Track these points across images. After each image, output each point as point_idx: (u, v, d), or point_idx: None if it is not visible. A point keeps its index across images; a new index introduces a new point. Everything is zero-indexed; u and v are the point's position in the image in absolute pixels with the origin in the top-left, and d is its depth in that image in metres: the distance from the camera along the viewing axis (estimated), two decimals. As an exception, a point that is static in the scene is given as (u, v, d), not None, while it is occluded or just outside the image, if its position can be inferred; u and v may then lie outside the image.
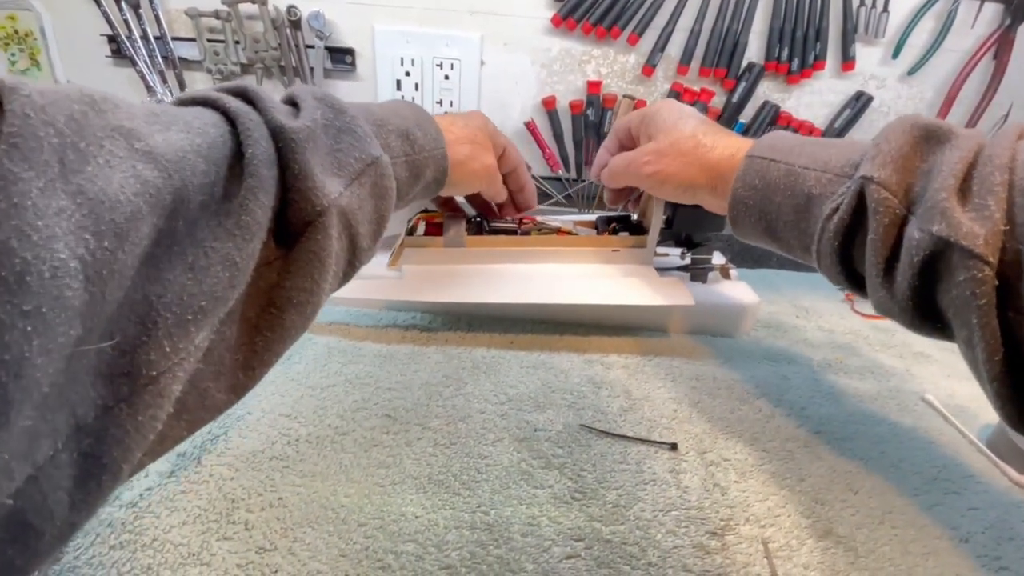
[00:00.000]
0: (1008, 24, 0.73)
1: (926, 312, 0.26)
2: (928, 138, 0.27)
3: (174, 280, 0.18)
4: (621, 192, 0.52)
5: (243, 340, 0.22)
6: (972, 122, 0.77)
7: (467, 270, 0.54)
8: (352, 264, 0.28)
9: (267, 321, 0.23)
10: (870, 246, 0.27)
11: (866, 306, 0.63)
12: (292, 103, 0.28)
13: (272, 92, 0.26)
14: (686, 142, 0.39)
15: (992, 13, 0.73)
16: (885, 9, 0.70)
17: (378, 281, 0.53)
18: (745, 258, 0.73)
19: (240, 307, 0.22)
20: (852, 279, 0.30)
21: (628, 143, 0.46)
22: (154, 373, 0.17)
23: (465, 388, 0.43)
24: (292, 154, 0.24)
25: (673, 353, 0.50)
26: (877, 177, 0.26)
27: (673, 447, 0.38)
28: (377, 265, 0.55)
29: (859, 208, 0.27)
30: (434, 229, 0.54)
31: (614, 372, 0.47)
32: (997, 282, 0.22)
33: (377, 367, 0.44)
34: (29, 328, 0.12)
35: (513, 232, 0.54)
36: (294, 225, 0.24)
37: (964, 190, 0.24)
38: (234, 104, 0.23)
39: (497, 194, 0.48)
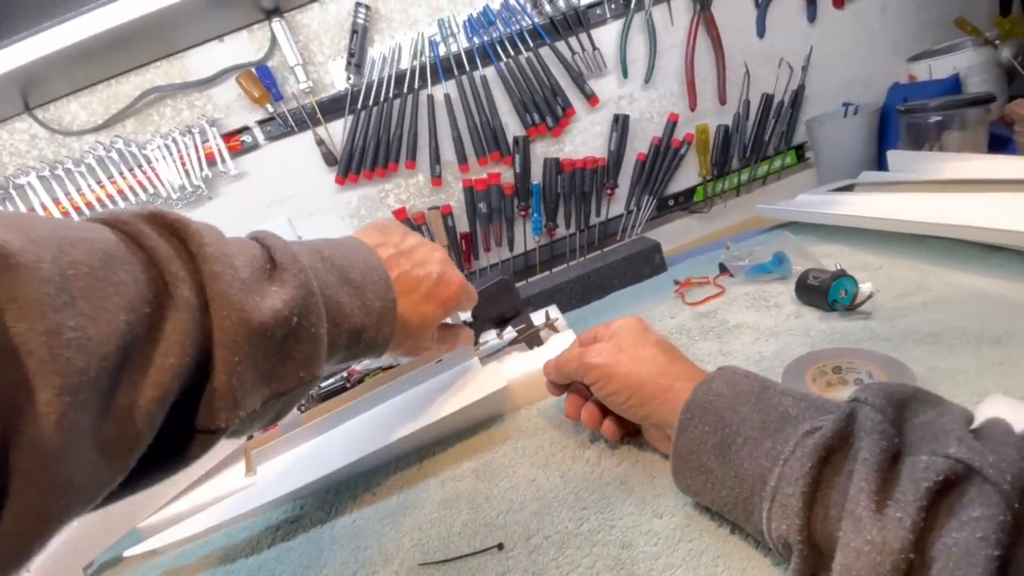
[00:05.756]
0: (701, 8, 0.84)
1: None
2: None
3: None
4: (559, 386, 0.47)
5: None
6: (721, 88, 0.86)
7: (316, 444, 0.55)
8: None
9: None
10: (861, 470, 0.23)
11: (694, 294, 0.66)
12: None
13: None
14: (646, 349, 0.37)
15: (684, 5, 0.83)
16: (595, 48, 0.80)
17: (240, 494, 0.54)
18: (586, 294, 0.77)
19: None
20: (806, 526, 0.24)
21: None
22: None
23: (323, 571, 0.43)
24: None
25: (519, 432, 0.51)
26: (871, 401, 0.24)
27: (500, 547, 0.38)
28: (235, 478, 0.56)
29: (845, 431, 0.25)
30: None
31: (464, 483, 0.47)
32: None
33: (243, 587, 0.44)
34: None
35: (343, 389, 0.56)
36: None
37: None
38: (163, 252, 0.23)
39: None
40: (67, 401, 0.18)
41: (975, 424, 0.24)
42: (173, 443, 0.25)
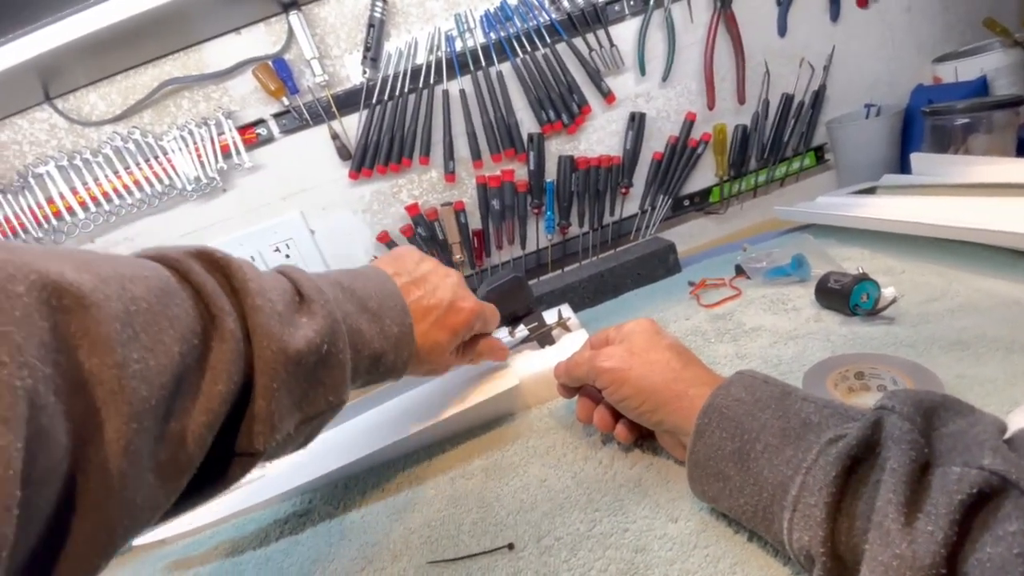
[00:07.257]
0: (721, 5, 0.82)
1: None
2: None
3: None
4: (569, 389, 0.47)
5: None
6: (741, 88, 0.84)
7: (326, 438, 0.55)
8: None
9: None
10: (889, 480, 0.22)
11: (709, 296, 0.65)
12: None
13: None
14: (660, 353, 0.37)
15: (704, 2, 0.82)
16: (612, 45, 0.79)
17: (249, 487, 0.54)
18: (599, 294, 0.76)
19: None
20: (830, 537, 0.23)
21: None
22: None
23: (331, 566, 0.43)
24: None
25: (530, 432, 0.51)
26: (898, 408, 0.24)
27: (510, 547, 0.37)
28: (245, 470, 0.56)
29: (872, 440, 0.24)
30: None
31: (473, 481, 0.47)
32: None
33: (250, 580, 0.44)
34: None
35: (352, 384, 0.56)
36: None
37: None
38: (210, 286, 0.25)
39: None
40: (134, 428, 0.20)
41: (1008, 434, 0.23)
42: (215, 466, 0.26)
